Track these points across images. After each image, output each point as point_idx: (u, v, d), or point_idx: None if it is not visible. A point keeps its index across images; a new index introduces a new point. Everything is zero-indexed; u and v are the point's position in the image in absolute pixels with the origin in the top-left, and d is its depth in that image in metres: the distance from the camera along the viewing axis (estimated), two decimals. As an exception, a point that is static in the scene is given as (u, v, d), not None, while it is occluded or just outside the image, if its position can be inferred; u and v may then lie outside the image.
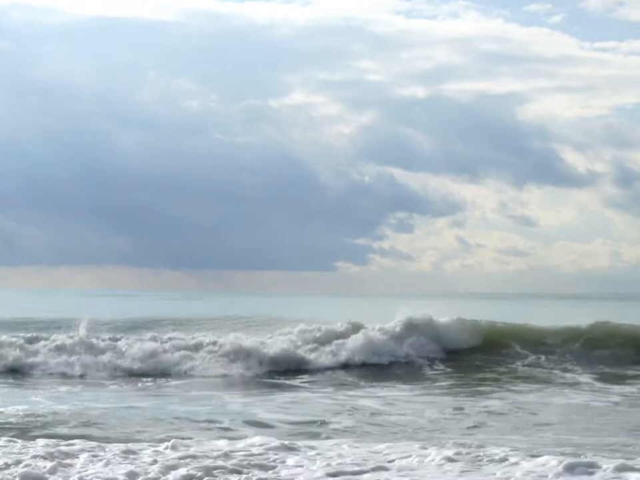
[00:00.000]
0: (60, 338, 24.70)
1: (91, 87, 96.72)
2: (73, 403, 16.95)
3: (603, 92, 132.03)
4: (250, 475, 10.27)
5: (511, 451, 11.62)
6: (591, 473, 10.27)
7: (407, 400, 18.06)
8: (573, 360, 24.46)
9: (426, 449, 11.80)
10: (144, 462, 10.83)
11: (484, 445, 12.08)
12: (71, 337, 24.58)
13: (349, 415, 15.84)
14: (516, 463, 10.88)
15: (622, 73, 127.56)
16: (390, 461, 11.08)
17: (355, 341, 24.64)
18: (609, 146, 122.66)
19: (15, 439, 12.24)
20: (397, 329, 25.29)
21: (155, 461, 10.84)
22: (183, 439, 12.42)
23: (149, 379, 21.50)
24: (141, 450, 11.49)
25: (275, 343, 24.25)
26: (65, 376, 22.26)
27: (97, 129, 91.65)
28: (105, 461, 10.87)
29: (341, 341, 24.79)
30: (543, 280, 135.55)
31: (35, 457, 10.95)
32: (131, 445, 11.72)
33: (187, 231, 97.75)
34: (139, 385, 20.63)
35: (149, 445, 11.88)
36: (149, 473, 10.29)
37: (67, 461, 10.82)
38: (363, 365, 24.01)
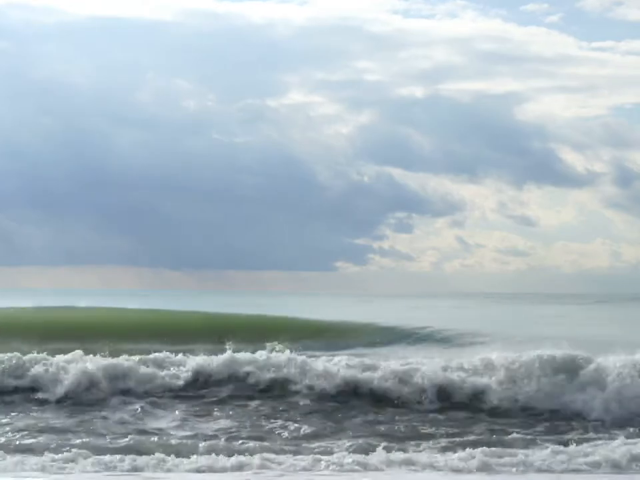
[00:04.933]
0: None
1: (91, 86, 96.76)
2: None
3: (602, 92, 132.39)
4: None
5: None
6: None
7: None
8: None
9: None
10: None
11: None
12: None
13: None
14: None
15: (620, 73, 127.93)
16: None
17: None
18: (607, 146, 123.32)
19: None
20: None
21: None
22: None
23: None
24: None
25: None
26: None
27: (97, 129, 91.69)
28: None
29: None
30: (543, 280, 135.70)
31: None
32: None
33: (187, 231, 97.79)
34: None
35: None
36: None
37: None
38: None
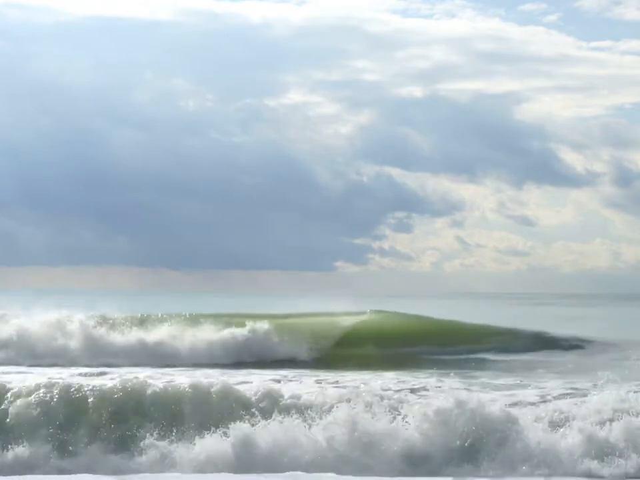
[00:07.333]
0: None
1: (89, 86, 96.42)
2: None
3: (601, 91, 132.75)
4: None
5: None
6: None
7: None
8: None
9: None
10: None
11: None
12: None
13: None
14: None
15: (619, 73, 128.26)
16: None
17: None
18: (607, 146, 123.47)
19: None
20: None
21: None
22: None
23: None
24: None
25: None
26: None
27: (95, 130, 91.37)
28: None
29: None
30: (543, 280, 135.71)
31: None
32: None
33: (186, 231, 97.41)
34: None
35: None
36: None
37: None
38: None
